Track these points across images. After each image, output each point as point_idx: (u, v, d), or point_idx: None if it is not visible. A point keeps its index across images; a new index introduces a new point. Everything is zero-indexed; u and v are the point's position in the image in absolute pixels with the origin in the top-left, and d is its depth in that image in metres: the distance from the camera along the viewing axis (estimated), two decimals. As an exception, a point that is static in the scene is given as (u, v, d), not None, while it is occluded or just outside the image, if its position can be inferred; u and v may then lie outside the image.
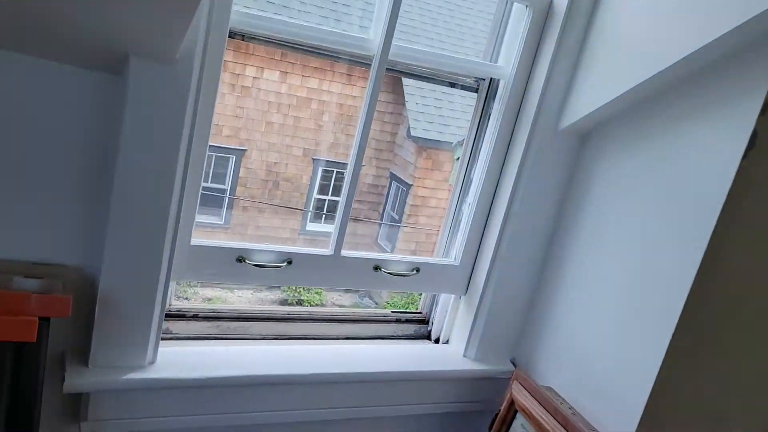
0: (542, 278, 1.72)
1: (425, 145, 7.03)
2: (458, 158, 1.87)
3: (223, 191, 6.44)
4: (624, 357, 1.47)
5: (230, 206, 5.59)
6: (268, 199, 6.71)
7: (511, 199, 1.64)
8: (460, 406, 1.78)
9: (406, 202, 7.03)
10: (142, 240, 1.34)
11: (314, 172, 7.17)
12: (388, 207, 7.71)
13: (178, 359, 1.49)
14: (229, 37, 1.34)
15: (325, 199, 7.19)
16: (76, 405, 1.42)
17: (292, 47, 1.48)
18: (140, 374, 1.40)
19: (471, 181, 1.74)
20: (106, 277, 1.34)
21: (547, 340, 1.69)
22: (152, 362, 1.45)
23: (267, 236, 6.29)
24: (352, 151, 1.57)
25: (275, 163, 6.95)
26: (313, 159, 7.03)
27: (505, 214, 1.65)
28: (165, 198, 1.32)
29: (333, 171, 7.47)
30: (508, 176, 1.66)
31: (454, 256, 1.75)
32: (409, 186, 7.17)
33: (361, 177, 1.46)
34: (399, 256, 1.67)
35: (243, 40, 1.43)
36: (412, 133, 7.06)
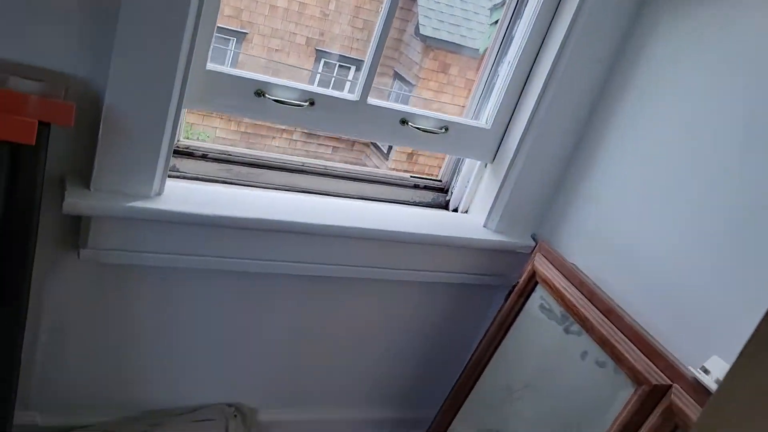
0: (579, 149, 1.60)
1: (433, 45, 6.74)
2: (496, 22, 1.73)
3: (221, 74, 6.14)
4: (659, 240, 1.39)
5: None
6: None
7: (557, 59, 1.50)
8: (476, 278, 1.70)
9: (407, 104, 6.81)
10: (153, 56, 1.19)
11: (316, 64, 6.89)
12: (389, 107, 7.45)
13: (186, 194, 1.38)
14: None
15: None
16: (76, 231, 1.32)
17: None
18: (145, 204, 1.29)
19: (511, 40, 1.59)
20: (112, 93, 1.21)
21: (575, 216, 1.60)
22: (159, 194, 1.34)
23: (263, 125, 6.11)
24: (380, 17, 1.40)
25: (276, 50, 6.65)
26: (317, 50, 6.73)
27: (548, 75, 1.51)
28: (181, 10, 1.17)
29: (335, 65, 7.20)
30: (556, 34, 1.51)
31: (486, 119, 1.63)
32: (411, 86, 6.94)
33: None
34: (428, 112, 1.55)
35: None
36: (421, 31, 6.76)
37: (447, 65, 6.93)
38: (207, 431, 1.60)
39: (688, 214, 1.33)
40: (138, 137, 1.25)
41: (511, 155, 1.60)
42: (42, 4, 1.12)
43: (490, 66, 1.64)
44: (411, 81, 6.91)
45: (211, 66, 1.33)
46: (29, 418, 1.49)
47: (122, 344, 1.50)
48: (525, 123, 1.57)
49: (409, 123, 1.53)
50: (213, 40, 1.32)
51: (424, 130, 1.54)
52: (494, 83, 1.63)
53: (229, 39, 6.39)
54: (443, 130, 1.57)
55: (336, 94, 1.45)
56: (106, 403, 1.55)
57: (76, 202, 1.23)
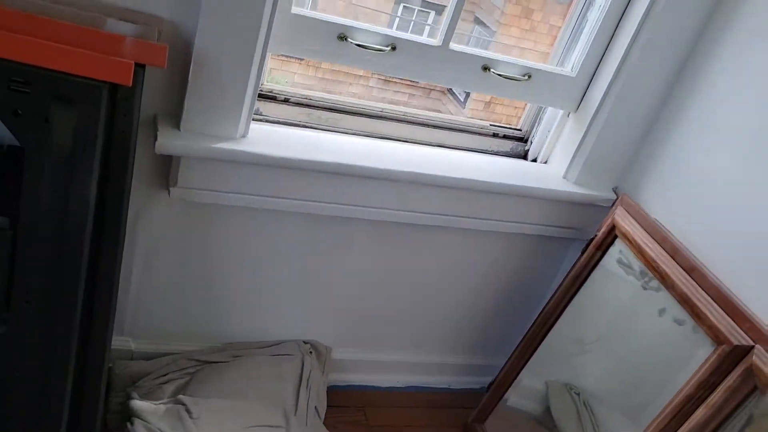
0: (669, 99, 1.53)
1: (517, -11, 6.48)
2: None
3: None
4: (750, 199, 1.32)
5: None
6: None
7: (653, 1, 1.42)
8: (552, 230, 1.68)
9: (487, 49, 6.61)
10: (241, 0, 1.21)
11: (396, 7, 6.78)
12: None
13: (270, 137, 1.41)
14: None
15: (403, 39, 6.81)
16: (166, 170, 1.39)
17: None
18: (232, 145, 1.34)
19: (604, -19, 1.52)
20: (202, 36, 1.24)
21: (660, 170, 1.54)
22: (244, 136, 1.38)
23: (340, 71, 6.11)
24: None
25: (355, -4, 6.57)
26: (396, -5, 6.61)
27: (642, 18, 1.44)
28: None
29: (415, 9, 7.07)
30: (652, -25, 1.43)
31: (571, 66, 1.57)
32: (492, 32, 6.74)
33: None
34: (511, 58, 1.51)
35: None
36: (505, -27, 6.51)
37: (530, 10, 6.67)
38: (284, 365, 1.67)
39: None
40: (226, 80, 1.29)
41: (596, 105, 1.55)
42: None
43: (579, 10, 1.58)
44: (492, 27, 6.70)
45: (296, 10, 1.34)
46: (124, 343, 1.61)
47: (208, 279, 1.58)
48: (613, 71, 1.50)
49: (491, 69, 1.50)
50: (298, -17, 1.32)
51: (507, 77, 1.51)
52: (582, 28, 1.56)
53: (308, -14, 6.36)
54: (526, 78, 1.53)
55: (418, 39, 1.43)
56: (192, 333, 1.66)
57: (167, 142, 1.29)
